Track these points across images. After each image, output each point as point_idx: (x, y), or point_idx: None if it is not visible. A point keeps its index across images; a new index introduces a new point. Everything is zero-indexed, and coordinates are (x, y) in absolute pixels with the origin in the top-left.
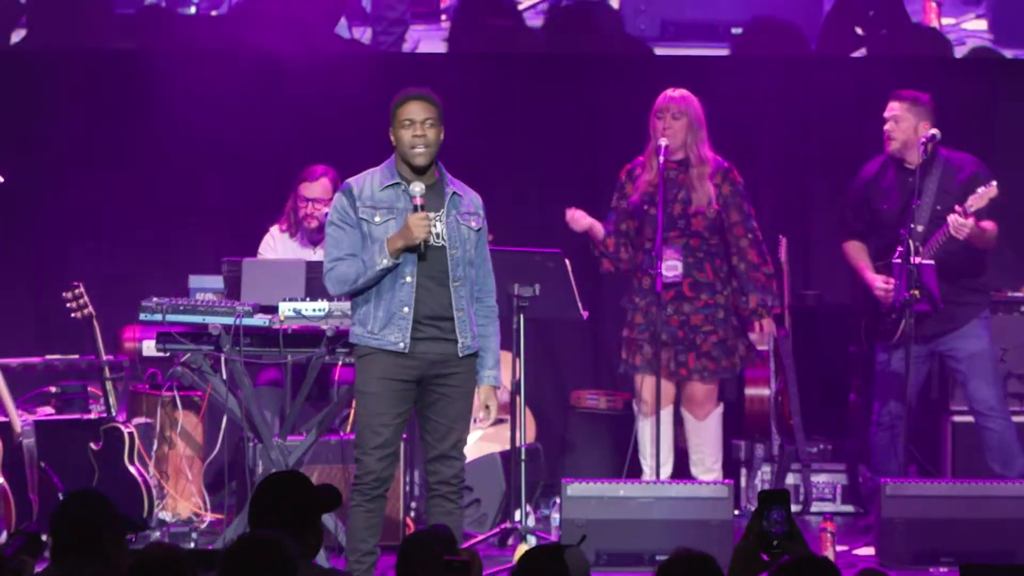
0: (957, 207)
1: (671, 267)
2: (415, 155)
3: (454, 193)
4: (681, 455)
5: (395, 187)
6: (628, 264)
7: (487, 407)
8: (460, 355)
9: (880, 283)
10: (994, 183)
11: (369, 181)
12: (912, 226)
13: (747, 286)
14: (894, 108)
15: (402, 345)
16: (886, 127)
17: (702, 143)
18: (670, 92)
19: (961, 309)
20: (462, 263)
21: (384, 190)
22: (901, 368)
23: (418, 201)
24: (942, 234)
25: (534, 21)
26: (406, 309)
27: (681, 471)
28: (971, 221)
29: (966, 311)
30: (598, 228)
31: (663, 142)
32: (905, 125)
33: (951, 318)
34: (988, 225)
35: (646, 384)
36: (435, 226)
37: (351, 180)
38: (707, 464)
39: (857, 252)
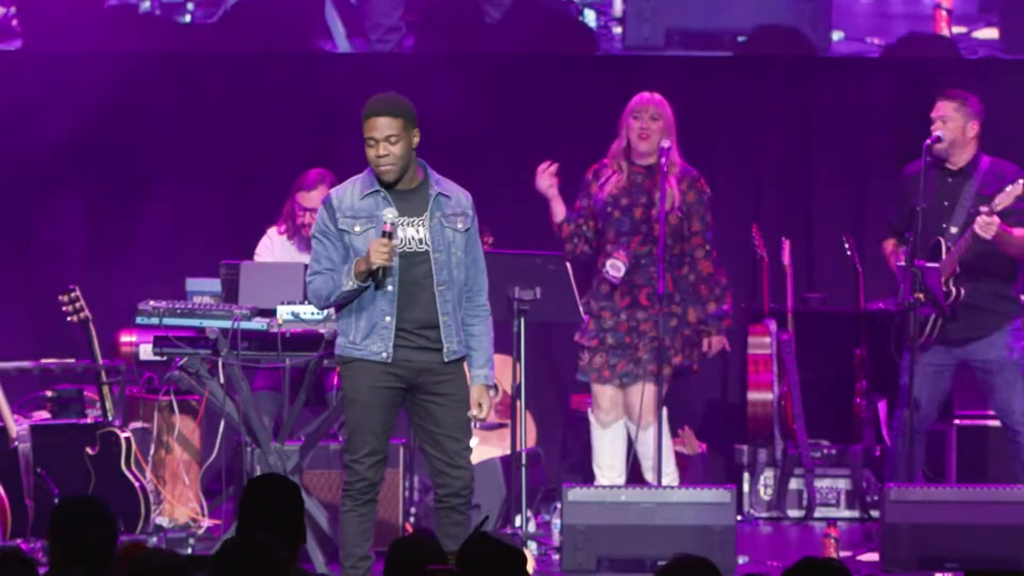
0: (983, 207)
1: (614, 266)
2: (381, 173)
3: (439, 194)
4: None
5: (375, 195)
6: (585, 257)
7: (479, 405)
8: (445, 360)
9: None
10: (1021, 181)
11: (350, 191)
12: (945, 226)
13: (690, 299)
14: (941, 108)
15: (384, 355)
16: (933, 126)
17: (672, 148)
18: (646, 94)
19: (989, 316)
20: (447, 267)
21: (364, 199)
22: (922, 372)
23: (387, 228)
24: (969, 234)
25: (532, 23)
26: (388, 318)
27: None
28: (997, 220)
29: (995, 319)
30: (558, 208)
31: (665, 143)
32: (953, 125)
33: (978, 324)
34: (1019, 232)
35: (606, 393)
36: (417, 231)
37: (332, 191)
38: (648, 464)
39: (893, 251)
